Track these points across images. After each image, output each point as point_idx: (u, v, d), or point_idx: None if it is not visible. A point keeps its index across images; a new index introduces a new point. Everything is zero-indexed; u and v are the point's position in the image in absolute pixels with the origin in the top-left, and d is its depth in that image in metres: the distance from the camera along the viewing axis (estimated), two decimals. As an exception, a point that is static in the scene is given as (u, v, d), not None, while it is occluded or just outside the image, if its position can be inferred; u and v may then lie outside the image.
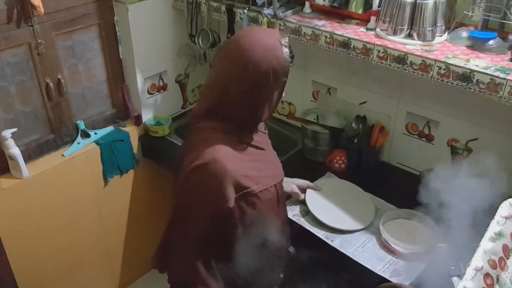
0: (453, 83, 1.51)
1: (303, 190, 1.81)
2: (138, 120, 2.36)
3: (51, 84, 2.01)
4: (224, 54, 1.31)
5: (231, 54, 1.26)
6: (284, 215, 1.57)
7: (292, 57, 1.28)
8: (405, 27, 1.62)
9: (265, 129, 1.54)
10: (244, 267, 1.35)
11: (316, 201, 1.80)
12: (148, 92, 2.35)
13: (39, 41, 1.91)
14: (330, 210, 1.77)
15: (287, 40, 1.27)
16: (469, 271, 1.09)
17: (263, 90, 1.26)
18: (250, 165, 1.34)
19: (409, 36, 1.63)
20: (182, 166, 1.31)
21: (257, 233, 1.37)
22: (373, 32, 1.72)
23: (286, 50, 1.26)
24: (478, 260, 1.12)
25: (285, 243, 1.55)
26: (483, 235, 1.19)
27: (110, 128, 2.30)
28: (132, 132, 2.34)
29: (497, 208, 1.27)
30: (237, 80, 1.25)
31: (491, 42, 1.53)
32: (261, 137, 1.46)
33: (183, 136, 2.36)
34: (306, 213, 1.78)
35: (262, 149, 1.42)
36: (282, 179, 1.50)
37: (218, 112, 1.31)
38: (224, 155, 1.25)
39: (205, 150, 1.25)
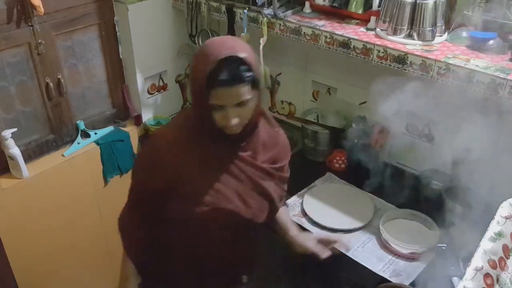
0: (453, 83, 1.51)
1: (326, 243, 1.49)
2: (138, 120, 2.36)
3: (51, 84, 2.01)
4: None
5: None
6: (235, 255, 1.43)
7: (223, 81, 1.12)
8: (405, 27, 1.62)
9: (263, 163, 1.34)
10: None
11: (314, 205, 1.81)
12: (148, 92, 2.35)
13: (39, 41, 1.91)
14: (328, 212, 1.78)
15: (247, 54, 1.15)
16: (469, 271, 1.09)
17: (194, 97, 1.24)
18: (206, 174, 1.26)
19: (409, 36, 1.63)
20: None
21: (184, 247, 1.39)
22: (373, 32, 1.72)
23: (216, 70, 1.12)
24: (478, 260, 1.12)
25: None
26: (483, 235, 1.19)
27: (110, 128, 2.30)
28: (132, 132, 2.34)
29: (497, 208, 1.27)
30: (197, 97, 1.25)
31: (491, 42, 1.53)
32: (244, 163, 1.29)
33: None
34: (306, 213, 1.78)
35: (239, 170, 1.28)
36: (253, 221, 1.33)
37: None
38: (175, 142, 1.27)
39: (166, 128, 1.32)
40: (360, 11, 1.80)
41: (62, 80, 2.05)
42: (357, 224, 1.72)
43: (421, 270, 1.56)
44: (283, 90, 2.37)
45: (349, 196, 1.87)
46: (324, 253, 1.42)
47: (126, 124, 2.36)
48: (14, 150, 1.92)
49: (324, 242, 1.46)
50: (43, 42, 1.93)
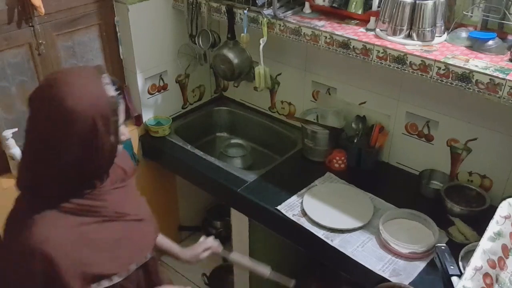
0: (453, 83, 1.51)
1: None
2: (138, 120, 2.37)
3: (51, 84, 2.02)
4: (33, 113, 1.05)
5: (46, 113, 1.02)
6: None
7: (117, 90, 1.08)
8: (405, 28, 1.62)
9: (122, 180, 1.23)
10: None
11: (313, 204, 1.81)
12: (149, 92, 2.35)
13: (40, 41, 1.92)
14: (328, 212, 1.78)
15: (106, 76, 1.08)
16: (469, 271, 1.10)
17: (94, 139, 1.04)
18: (99, 245, 1.12)
19: (409, 36, 1.64)
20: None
21: None
22: (372, 33, 1.72)
23: (108, 87, 1.06)
24: (477, 259, 1.12)
25: None
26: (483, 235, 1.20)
27: (110, 128, 2.30)
28: (133, 132, 2.34)
29: (497, 208, 1.27)
30: (61, 142, 1.02)
31: (490, 42, 1.54)
32: (114, 195, 1.17)
33: (183, 136, 2.36)
34: (306, 213, 1.78)
35: (118, 213, 1.17)
36: (152, 255, 1.28)
37: (42, 186, 1.08)
38: (62, 238, 1.05)
39: (37, 229, 1.04)
40: (359, 12, 1.81)
41: (63, 80, 2.05)
42: (357, 224, 1.73)
43: (420, 270, 1.57)
44: (283, 90, 2.38)
45: (348, 196, 1.87)
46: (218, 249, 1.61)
47: (127, 124, 2.36)
48: (15, 150, 1.92)
49: (205, 247, 1.59)
50: (44, 42, 1.93)
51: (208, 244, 1.61)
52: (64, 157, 1.04)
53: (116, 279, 1.14)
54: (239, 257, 1.68)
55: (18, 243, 1.05)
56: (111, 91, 1.06)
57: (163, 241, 1.54)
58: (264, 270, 1.59)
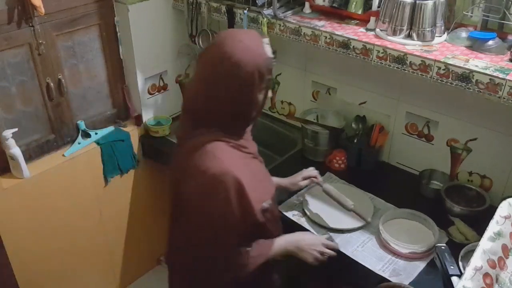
0: (453, 84, 1.51)
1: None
2: (138, 120, 2.37)
3: (51, 84, 2.02)
4: (206, 60, 1.28)
5: (213, 60, 1.24)
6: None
7: (274, 52, 1.28)
8: (405, 28, 1.62)
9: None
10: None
11: (313, 204, 1.81)
12: (149, 92, 2.35)
13: (40, 41, 1.92)
14: (328, 212, 1.78)
15: (267, 39, 1.28)
16: (469, 271, 1.10)
17: (250, 91, 1.24)
18: (257, 175, 1.35)
19: (409, 36, 1.64)
20: (189, 183, 1.29)
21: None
22: (372, 33, 1.72)
23: (268, 49, 1.26)
24: (477, 259, 1.12)
25: None
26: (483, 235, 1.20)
27: (110, 128, 2.30)
28: (133, 132, 2.34)
29: (497, 208, 1.27)
30: (223, 84, 1.23)
31: (490, 42, 1.54)
32: (252, 145, 1.42)
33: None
34: (306, 213, 1.78)
35: (256, 158, 1.41)
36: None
37: (205, 120, 1.29)
38: (241, 165, 1.27)
39: (217, 164, 1.23)
40: (359, 12, 1.81)
41: (63, 80, 2.05)
42: (357, 224, 1.73)
43: (420, 270, 1.57)
44: (283, 90, 2.38)
45: (349, 196, 1.87)
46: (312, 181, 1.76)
47: (127, 124, 2.37)
48: (15, 150, 1.92)
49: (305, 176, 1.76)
50: (44, 42, 1.93)
51: (308, 173, 1.75)
52: (226, 101, 1.24)
53: (269, 204, 1.37)
54: (331, 188, 1.74)
55: (210, 169, 1.22)
56: (270, 52, 1.26)
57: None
58: (349, 203, 1.69)
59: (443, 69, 1.51)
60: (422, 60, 1.55)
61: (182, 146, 1.34)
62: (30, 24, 1.88)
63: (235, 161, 1.27)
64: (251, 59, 1.21)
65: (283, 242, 1.45)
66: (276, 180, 1.70)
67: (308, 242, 1.48)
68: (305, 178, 1.74)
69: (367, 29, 1.74)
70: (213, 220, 1.28)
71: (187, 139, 1.32)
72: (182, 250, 1.42)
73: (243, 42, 1.22)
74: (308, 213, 1.77)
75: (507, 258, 1.19)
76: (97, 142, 2.23)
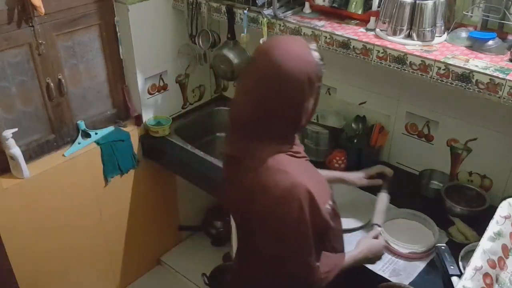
0: (453, 83, 1.51)
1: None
2: (138, 120, 2.37)
3: (51, 84, 2.02)
4: (254, 73, 1.24)
5: (263, 71, 1.21)
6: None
7: (322, 59, 1.24)
8: (405, 28, 1.62)
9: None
10: None
11: None
12: (149, 92, 2.35)
13: (40, 41, 1.92)
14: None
15: (314, 45, 1.25)
16: (469, 271, 1.10)
17: (301, 99, 1.22)
18: (316, 178, 1.34)
19: (409, 36, 1.64)
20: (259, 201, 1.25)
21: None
22: (372, 33, 1.72)
23: (316, 54, 1.22)
24: (478, 259, 1.12)
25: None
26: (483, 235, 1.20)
27: (110, 128, 2.30)
28: (133, 132, 2.34)
29: (497, 208, 1.27)
30: (274, 95, 1.20)
31: (490, 42, 1.54)
32: (301, 147, 1.39)
33: (183, 136, 2.36)
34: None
35: (307, 160, 1.38)
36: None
37: (259, 133, 1.26)
38: (304, 174, 1.26)
39: (284, 178, 1.21)
40: (359, 12, 1.81)
41: (63, 80, 2.05)
42: (357, 224, 1.72)
43: (420, 270, 1.57)
44: (283, 90, 2.37)
45: (349, 196, 1.87)
46: (378, 182, 1.73)
47: (127, 124, 2.37)
48: (15, 150, 1.92)
49: (371, 176, 1.73)
50: (44, 42, 1.93)
51: (380, 168, 1.74)
52: (277, 112, 1.22)
53: (330, 205, 1.35)
54: (384, 199, 1.71)
55: (279, 184, 1.21)
56: (318, 58, 1.23)
57: (330, 173, 1.74)
58: (376, 221, 1.64)
59: (443, 69, 1.51)
60: (422, 60, 1.55)
61: (238, 165, 1.29)
62: (30, 24, 1.88)
63: (299, 171, 1.24)
64: (301, 68, 1.18)
65: (354, 252, 1.46)
66: (339, 174, 1.74)
67: (379, 249, 1.49)
68: (376, 175, 1.73)
69: (367, 29, 1.74)
70: (289, 234, 1.24)
71: (242, 158, 1.28)
72: (255, 270, 1.38)
73: (291, 50, 1.19)
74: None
75: (507, 258, 1.19)
76: (97, 142, 2.23)
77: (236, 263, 1.50)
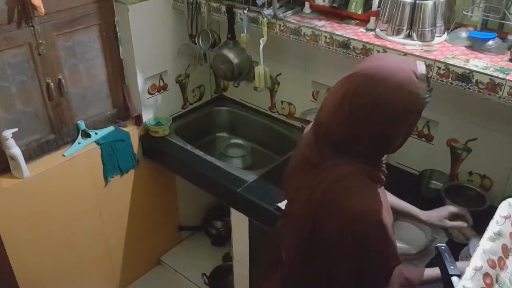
0: (453, 84, 1.51)
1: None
2: (138, 120, 2.37)
3: (51, 84, 2.02)
4: (353, 87, 1.15)
5: (359, 89, 1.14)
6: None
7: (430, 90, 1.16)
8: (405, 28, 1.63)
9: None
10: None
11: None
12: (149, 92, 2.36)
13: (40, 41, 1.92)
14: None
15: (423, 71, 1.14)
16: (469, 271, 1.10)
17: (392, 128, 1.16)
18: (385, 205, 1.25)
19: (409, 36, 1.64)
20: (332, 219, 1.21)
21: None
22: (372, 33, 1.72)
23: (422, 85, 1.12)
24: (477, 259, 1.12)
25: None
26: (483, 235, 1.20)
27: (110, 128, 2.30)
28: (133, 132, 2.34)
29: (497, 208, 1.27)
30: (365, 119, 1.14)
31: (490, 42, 1.54)
32: (383, 171, 1.32)
33: (183, 136, 2.36)
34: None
35: (383, 185, 1.32)
36: None
37: (345, 149, 1.21)
38: (381, 204, 1.20)
39: (358, 202, 1.17)
40: (359, 12, 1.81)
41: (63, 80, 2.05)
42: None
43: (420, 270, 1.56)
44: (283, 90, 2.38)
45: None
46: (464, 224, 1.59)
47: (127, 124, 2.37)
48: (15, 150, 1.92)
49: (455, 216, 1.60)
50: (44, 42, 1.93)
51: (457, 211, 1.60)
52: (367, 134, 1.16)
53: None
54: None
55: (351, 207, 1.17)
56: (424, 92, 1.13)
57: (402, 203, 1.62)
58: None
59: (443, 69, 1.51)
60: (422, 60, 1.55)
61: (312, 169, 1.26)
62: (30, 24, 1.88)
63: (374, 196, 1.20)
64: (400, 99, 1.11)
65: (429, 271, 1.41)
66: (416, 211, 1.61)
67: None
68: (453, 217, 1.59)
69: (367, 29, 1.74)
70: (358, 258, 1.21)
71: (322, 165, 1.24)
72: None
73: (395, 77, 1.11)
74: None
75: (507, 258, 1.19)
76: (97, 142, 2.23)
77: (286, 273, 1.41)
